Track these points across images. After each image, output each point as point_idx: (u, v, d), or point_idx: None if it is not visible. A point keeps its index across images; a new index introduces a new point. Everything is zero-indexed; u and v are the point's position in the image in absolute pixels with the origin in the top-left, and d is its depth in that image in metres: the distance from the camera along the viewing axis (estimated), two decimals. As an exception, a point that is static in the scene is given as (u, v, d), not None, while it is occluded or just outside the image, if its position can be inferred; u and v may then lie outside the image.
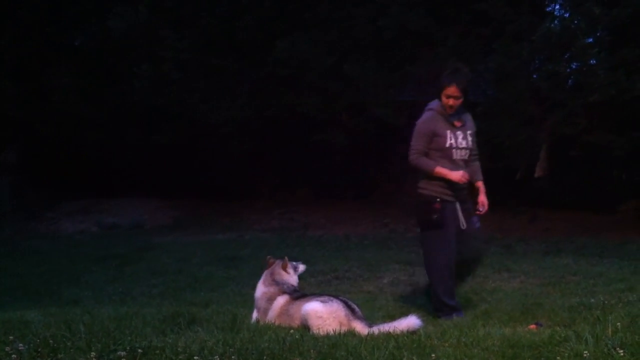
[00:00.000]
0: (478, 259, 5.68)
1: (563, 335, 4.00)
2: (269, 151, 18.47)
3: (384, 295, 7.81)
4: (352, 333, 4.47)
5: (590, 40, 14.06)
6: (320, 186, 18.74)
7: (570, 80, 14.20)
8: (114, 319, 4.92)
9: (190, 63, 16.04)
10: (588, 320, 4.94)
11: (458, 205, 5.81)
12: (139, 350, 3.60)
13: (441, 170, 5.70)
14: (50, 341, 3.85)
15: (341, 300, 4.89)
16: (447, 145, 5.73)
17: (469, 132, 5.85)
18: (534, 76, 14.42)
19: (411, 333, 4.36)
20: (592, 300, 6.41)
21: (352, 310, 4.79)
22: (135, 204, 17.44)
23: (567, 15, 14.62)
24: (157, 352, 3.64)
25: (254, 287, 8.35)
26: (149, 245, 12.91)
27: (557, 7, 15.83)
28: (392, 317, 5.80)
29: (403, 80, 15.39)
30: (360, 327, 4.61)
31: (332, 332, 4.47)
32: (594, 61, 13.81)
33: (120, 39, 16.12)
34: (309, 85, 15.74)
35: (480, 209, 5.93)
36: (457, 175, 5.67)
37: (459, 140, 5.77)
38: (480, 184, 5.99)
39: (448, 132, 5.75)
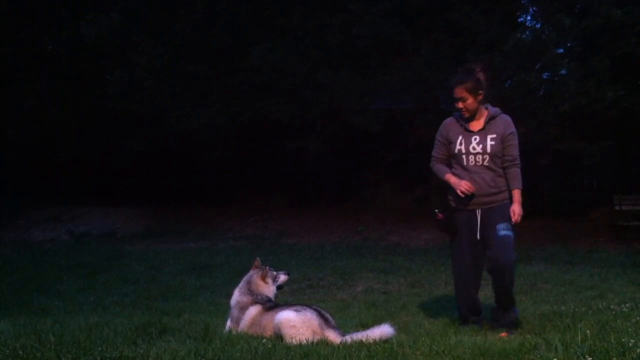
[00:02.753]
0: (503, 269, 5.25)
1: (533, 343, 4.04)
2: (243, 158, 18.42)
3: (358, 303, 7.84)
4: (324, 342, 4.46)
5: (561, 50, 14.25)
6: (294, 193, 18.75)
7: (541, 90, 14.35)
8: (84, 329, 4.87)
9: (164, 69, 15.95)
10: (558, 328, 5.00)
11: (479, 214, 5.47)
12: (110, 361, 3.58)
13: (449, 178, 5.51)
14: (20, 352, 3.80)
15: (314, 309, 4.84)
16: (456, 151, 5.50)
17: (490, 136, 5.44)
18: (506, 85, 14.55)
19: (384, 342, 4.36)
20: (563, 307, 6.50)
21: (325, 319, 4.75)
22: (107, 212, 17.29)
23: (538, 25, 14.79)
24: (128, 362, 3.62)
25: (228, 296, 8.37)
26: (120, 253, 12.81)
27: (529, 17, 16.02)
28: (366, 326, 5.81)
29: (377, 88, 15.45)
30: (333, 336, 4.58)
31: (305, 341, 4.46)
32: (565, 71, 13.99)
33: (93, 44, 15.99)
34: (283, 92, 15.74)
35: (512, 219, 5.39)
36: (457, 184, 5.41)
37: (472, 145, 5.46)
38: (515, 192, 5.44)
39: (460, 137, 5.52)
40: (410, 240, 14.60)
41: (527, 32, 14.27)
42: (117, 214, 17.23)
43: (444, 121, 5.73)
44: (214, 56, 16.26)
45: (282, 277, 5.45)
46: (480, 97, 5.44)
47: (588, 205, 16.98)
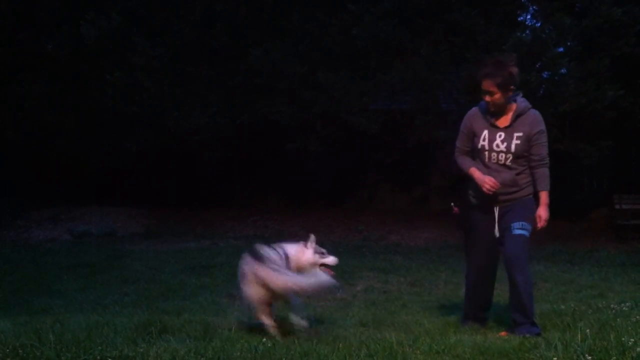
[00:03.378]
0: (512, 265, 5.08)
1: (533, 341, 4.05)
2: (242, 158, 18.43)
3: (358, 302, 7.84)
4: (324, 342, 4.46)
5: (561, 49, 14.28)
6: (294, 194, 18.75)
7: (541, 90, 14.36)
8: (84, 328, 4.87)
9: (163, 70, 15.96)
10: (558, 327, 5.00)
11: (496, 211, 5.26)
12: (109, 360, 3.58)
13: (473, 172, 5.24)
14: (20, 351, 3.80)
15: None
16: (479, 146, 5.24)
17: (517, 134, 5.15)
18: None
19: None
20: (563, 306, 6.50)
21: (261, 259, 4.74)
22: (107, 212, 17.28)
23: (538, 25, 14.82)
24: (128, 361, 3.62)
25: (228, 295, 8.39)
26: (121, 253, 12.80)
27: (529, 17, 16.05)
28: (365, 325, 5.82)
29: (376, 88, 15.48)
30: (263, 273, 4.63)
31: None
32: (565, 70, 14.01)
33: (93, 45, 15.99)
34: (282, 93, 15.75)
35: (537, 223, 5.17)
36: (482, 179, 5.14)
37: (497, 142, 5.18)
38: (542, 194, 5.19)
39: (485, 132, 5.24)
40: (410, 240, 14.62)
41: (528, 32, 14.32)
42: (117, 214, 17.23)
43: (469, 112, 5.44)
44: (213, 57, 16.28)
45: (331, 258, 5.19)
46: (510, 93, 5.16)
47: (588, 205, 17.01)
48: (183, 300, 8.23)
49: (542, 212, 5.11)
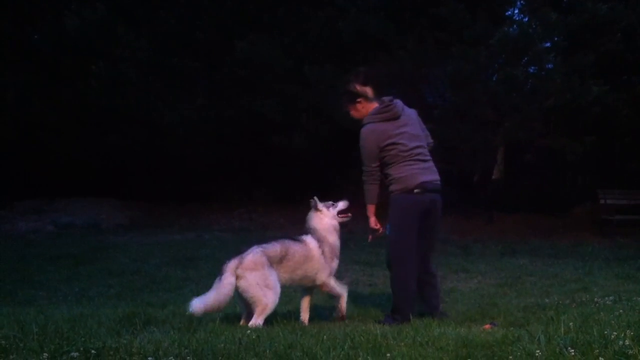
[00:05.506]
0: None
1: (516, 335, 4.07)
2: (228, 152, 18.35)
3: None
4: (309, 333, 4.47)
5: (547, 44, 14.33)
6: (279, 187, 18.71)
7: (527, 85, 14.42)
8: (68, 320, 4.85)
9: (148, 62, 15.86)
10: (542, 320, 5.02)
11: None
12: (92, 351, 3.56)
13: None
14: (2, 342, 3.78)
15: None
16: None
17: None
18: (493, 79, 14.62)
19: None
20: (547, 300, 6.54)
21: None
22: (92, 204, 17.15)
23: (525, 20, 14.86)
24: (111, 353, 3.60)
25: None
26: (105, 245, 12.73)
27: (516, 11, 16.10)
28: (350, 318, 5.84)
29: (362, 83, 15.44)
30: None
31: None
32: (551, 66, 14.07)
33: (77, 36, 15.86)
34: (267, 87, 15.70)
35: None
36: None
37: None
38: None
39: None
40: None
41: (514, 27, 14.35)
42: (101, 206, 17.11)
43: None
44: (198, 50, 16.20)
45: (341, 204, 5.65)
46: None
47: (572, 200, 17.12)
48: (168, 292, 8.22)
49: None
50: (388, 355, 3.67)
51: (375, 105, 5.65)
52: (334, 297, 5.56)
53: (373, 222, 5.70)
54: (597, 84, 13.43)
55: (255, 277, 5.02)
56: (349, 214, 5.69)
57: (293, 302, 6.22)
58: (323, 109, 15.49)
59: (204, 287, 8.39)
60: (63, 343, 3.77)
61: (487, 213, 15.72)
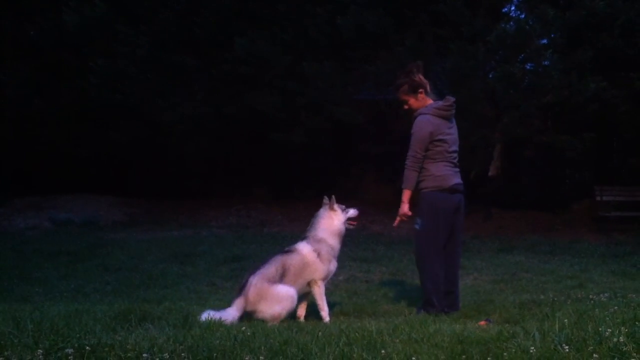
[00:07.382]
0: None
1: (511, 331, 4.08)
2: (226, 149, 18.34)
3: (340, 292, 7.84)
4: (305, 330, 4.48)
5: (545, 41, 14.33)
6: (278, 184, 18.70)
7: (525, 82, 14.41)
8: (63, 316, 4.84)
9: (148, 59, 15.85)
10: (537, 317, 5.03)
11: None
12: (87, 348, 3.56)
13: None
14: (-3, 338, 3.78)
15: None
16: None
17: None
18: (490, 76, 14.61)
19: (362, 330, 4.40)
20: (542, 297, 6.56)
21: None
22: (90, 200, 17.14)
23: (522, 16, 14.85)
24: (106, 349, 3.59)
25: (209, 284, 8.39)
26: (102, 241, 12.72)
27: (513, 8, 16.09)
28: (346, 314, 5.85)
29: (361, 79, 15.45)
30: None
31: None
32: (548, 62, 14.06)
33: (76, 33, 15.83)
34: (267, 84, 15.69)
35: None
36: None
37: None
38: None
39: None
40: (392, 230, 14.62)
41: (512, 23, 14.34)
42: (99, 202, 17.10)
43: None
44: (198, 46, 16.19)
45: (352, 211, 5.77)
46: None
47: (570, 196, 17.12)
48: (164, 288, 8.22)
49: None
50: (383, 351, 3.67)
51: (429, 99, 5.92)
52: (316, 301, 5.62)
53: (406, 208, 5.81)
54: (595, 80, 13.42)
55: (265, 306, 5.26)
56: (356, 223, 5.85)
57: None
58: (322, 106, 15.49)
59: (201, 283, 8.45)
60: (58, 339, 3.77)
61: (485, 209, 15.72)
